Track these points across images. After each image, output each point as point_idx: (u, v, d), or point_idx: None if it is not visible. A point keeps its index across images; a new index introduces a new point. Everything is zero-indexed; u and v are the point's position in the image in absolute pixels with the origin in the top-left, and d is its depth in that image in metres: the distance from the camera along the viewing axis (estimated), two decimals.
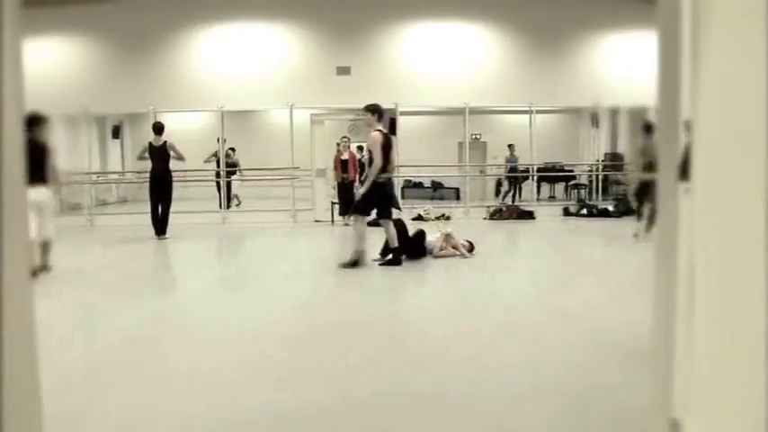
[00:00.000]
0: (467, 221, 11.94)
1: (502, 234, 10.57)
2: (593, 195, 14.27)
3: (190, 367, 3.64)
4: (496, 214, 12.32)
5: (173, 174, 9.73)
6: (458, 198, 15.59)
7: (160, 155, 9.42)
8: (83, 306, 5.33)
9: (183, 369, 3.60)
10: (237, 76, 14.17)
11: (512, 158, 15.11)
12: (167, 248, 9.01)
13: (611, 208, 12.34)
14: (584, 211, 12.54)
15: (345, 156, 11.69)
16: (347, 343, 4.09)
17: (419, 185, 17.11)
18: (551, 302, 5.22)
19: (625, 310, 4.71)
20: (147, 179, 9.76)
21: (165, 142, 9.43)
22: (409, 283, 6.33)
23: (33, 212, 5.84)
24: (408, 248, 7.04)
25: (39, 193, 5.91)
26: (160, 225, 9.50)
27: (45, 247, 6.25)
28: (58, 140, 14.08)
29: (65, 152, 13.88)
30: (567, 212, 12.80)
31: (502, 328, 4.39)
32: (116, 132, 16.68)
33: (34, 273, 6.05)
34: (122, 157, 17.44)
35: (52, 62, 13.97)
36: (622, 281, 6.10)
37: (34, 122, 5.86)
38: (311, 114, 12.62)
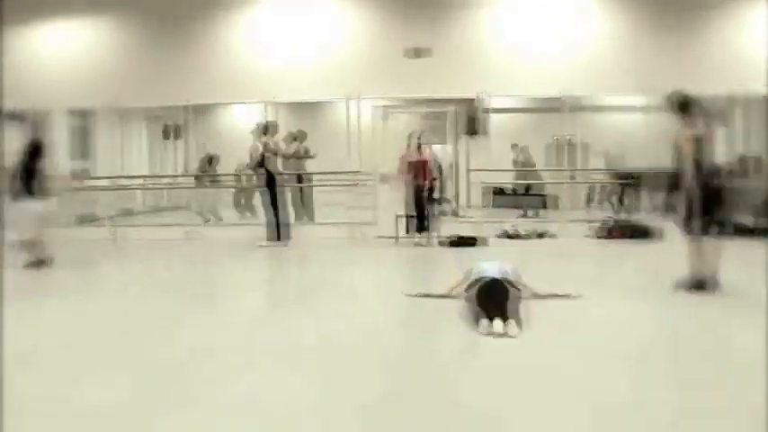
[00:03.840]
0: (567, 241, 9.76)
1: (637, 268, 8.03)
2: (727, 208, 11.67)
3: None
4: (607, 232, 9.94)
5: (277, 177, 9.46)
6: (544, 206, 13.61)
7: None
8: None
9: None
10: (289, 61, 12.30)
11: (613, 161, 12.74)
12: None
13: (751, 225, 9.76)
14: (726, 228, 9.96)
15: (424, 155, 9.41)
16: None
17: (501, 192, 14.94)
18: None
19: None
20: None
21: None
22: None
23: None
24: None
25: None
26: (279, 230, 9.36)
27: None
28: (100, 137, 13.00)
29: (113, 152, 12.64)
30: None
31: None
32: (171, 132, 15.43)
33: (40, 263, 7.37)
34: (175, 160, 16.19)
35: (74, 48, 12.75)
36: None
37: None
38: (380, 107, 10.83)
